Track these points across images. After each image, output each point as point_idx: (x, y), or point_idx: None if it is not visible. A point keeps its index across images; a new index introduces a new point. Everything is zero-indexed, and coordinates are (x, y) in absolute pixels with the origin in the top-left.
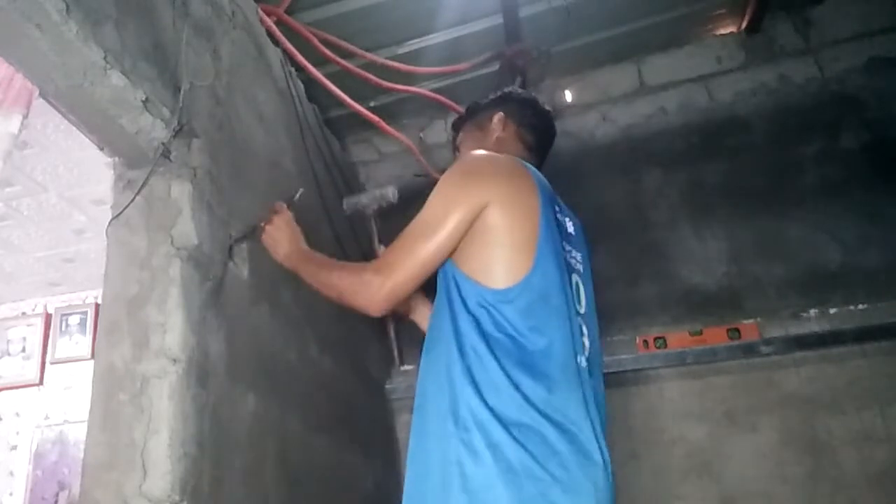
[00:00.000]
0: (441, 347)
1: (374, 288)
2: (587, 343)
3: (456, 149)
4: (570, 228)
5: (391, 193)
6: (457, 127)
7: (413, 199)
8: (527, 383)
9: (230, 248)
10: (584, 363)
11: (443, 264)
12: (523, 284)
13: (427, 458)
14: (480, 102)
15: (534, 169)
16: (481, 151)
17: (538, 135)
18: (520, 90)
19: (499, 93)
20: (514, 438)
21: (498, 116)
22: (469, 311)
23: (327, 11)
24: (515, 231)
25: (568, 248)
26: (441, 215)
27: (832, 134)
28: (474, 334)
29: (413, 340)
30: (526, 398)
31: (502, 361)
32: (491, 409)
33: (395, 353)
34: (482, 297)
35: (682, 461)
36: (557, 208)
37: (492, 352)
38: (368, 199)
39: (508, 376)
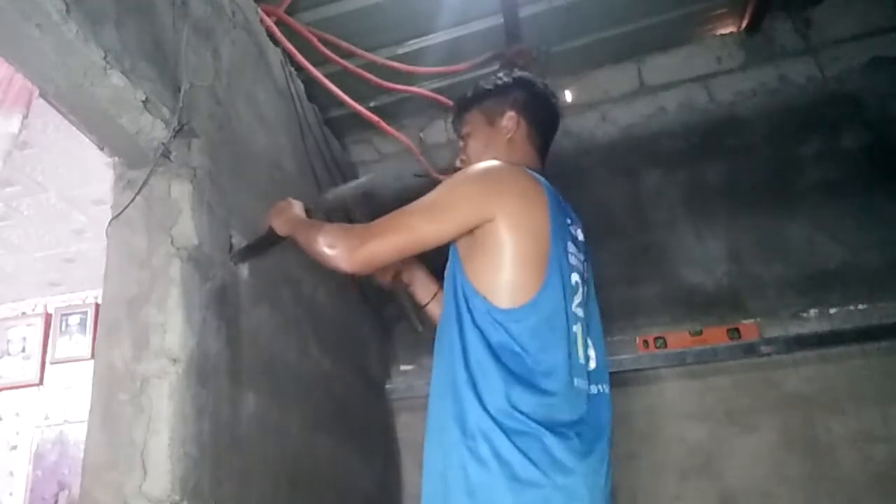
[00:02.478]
0: (448, 356)
1: (354, 243)
2: (593, 353)
3: (460, 138)
4: (581, 236)
5: (367, 181)
6: (462, 108)
7: (413, 199)
8: (525, 400)
9: (230, 250)
10: (581, 384)
11: (453, 277)
12: (531, 306)
13: (431, 463)
14: (489, 87)
15: (544, 180)
16: (497, 162)
17: (547, 134)
18: (530, 78)
19: (508, 79)
20: (517, 447)
21: (509, 116)
22: (476, 325)
23: (327, 11)
24: (525, 252)
25: (581, 256)
26: (449, 205)
27: (832, 134)
28: (480, 347)
29: (413, 341)
30: (525, 413)
31: (505, 375)
32: (494, 419)
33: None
34: (490, 314)
35: (682, 461)
36: (569, 220)
37: (495, 365)
38: (349, 190)
39: (510, 390)
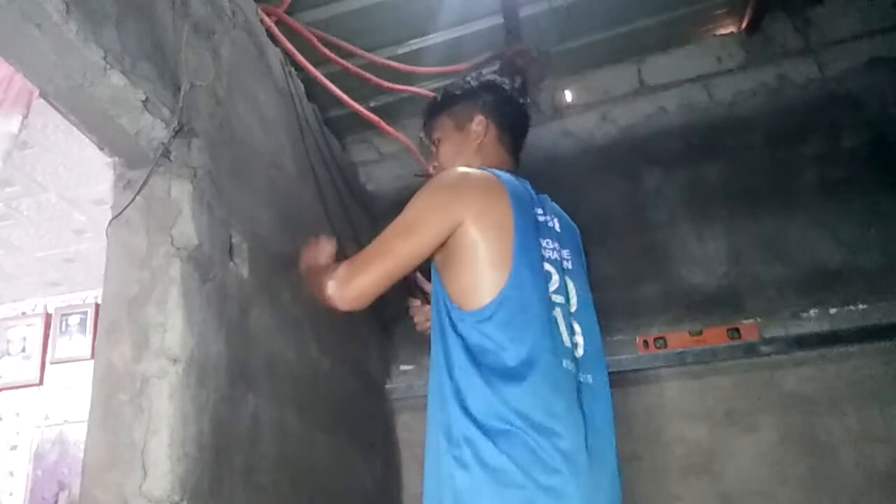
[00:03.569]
0: (436, 368)
1: (342, 282)
2: (580, 341)
3: (432, 143)
4: (558, 227)
5: None
6: (431, 113)
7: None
8: (509, 393)
9: (230, 250)
10: (570, 366)
11: (434, 288)
12: (500, 298)
13: (428, 476)
14: (456, 92)
15: (507, 177)
16: (461, 168)
17: (518, 135)
18: (497, 81)
19: (475, 83)
20: (500, 449)
21: (478, 120)
22: (457, 332)
23: (327, 11)
24: (492, 248)
25: (555, 246)
26: (418, 220)
27: (832, 134)
28: (461, 352)
29: (413, 341)
30: (509, 408)
31: (485, 374)
32: (478, 425)
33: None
34: (464, 320)
35: (682, 461)
36: (540, 210)
37: (476, 367)
38: None
39: (491, 388)
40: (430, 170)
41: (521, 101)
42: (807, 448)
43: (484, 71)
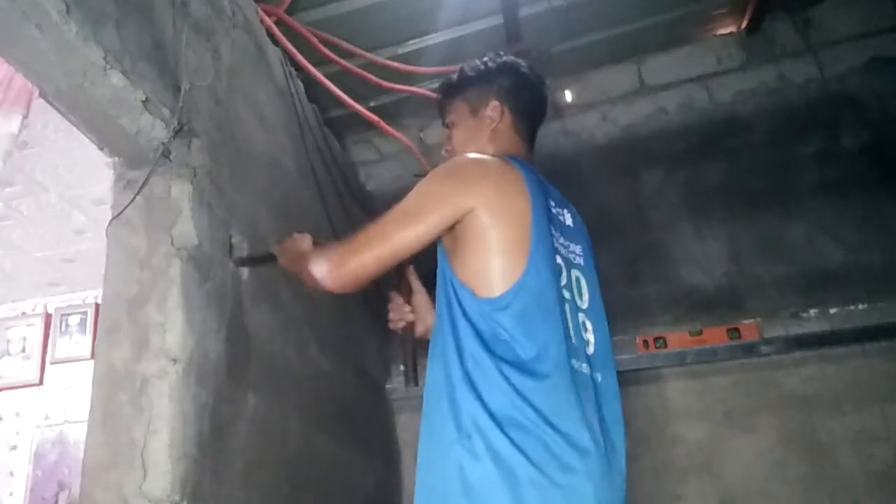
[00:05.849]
0: (441, 354)
1: (336, 263)
2: (591, 338)
3: (445, 126)
4: (569, 221)
5: None
6: (446, 95)
7: None
8: (524, 385)
9: (231, 250)
10: (581, 363)
11: (442, 273)
12: (517, 288)
13: (429, 464)
14: (472, 74)
15: (524, 165)
16: (473, 154)
17: (534, 121)
18: (516, 63)
19: (493, 64)
20: (515, 444)
21: (493, 106)
22: (468, 319)
23: (327, 11)
24: (506, 235)
25: (565, 242)
26: (422, 207)
27: (832, 134)
28: (473, 340)
29: (413, 340)
30: (525, 400)
31: (500, 365)
32: (491, 415)
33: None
34: (478, 306)
35: (683, 461)
36: (553, 202)
37: (490, 357)
38: None
39: (507, 379)
40: (443, 153)
41: (539, 85)
42: (807, 448)
43: (502, 52)
